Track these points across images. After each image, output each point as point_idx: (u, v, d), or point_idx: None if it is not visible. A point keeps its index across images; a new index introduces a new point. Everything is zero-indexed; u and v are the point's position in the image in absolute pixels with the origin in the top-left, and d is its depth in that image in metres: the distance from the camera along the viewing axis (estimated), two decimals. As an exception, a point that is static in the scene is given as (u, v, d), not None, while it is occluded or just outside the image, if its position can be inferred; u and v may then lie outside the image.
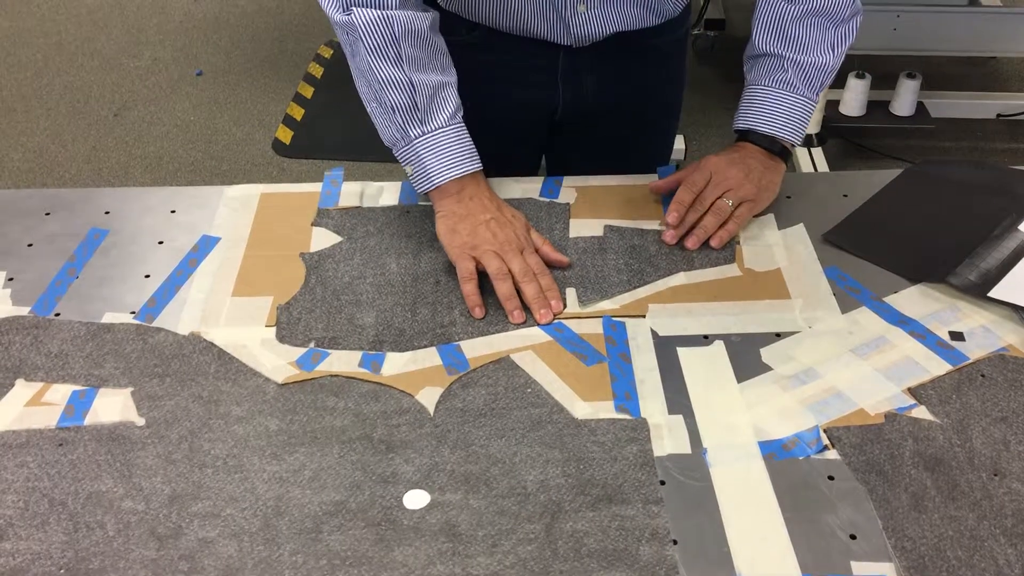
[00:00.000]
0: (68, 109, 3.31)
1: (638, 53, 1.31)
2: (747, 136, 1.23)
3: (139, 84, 3.45)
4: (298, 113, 3.28)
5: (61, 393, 0.98)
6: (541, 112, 1.39)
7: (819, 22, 1.19)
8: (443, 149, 1.14)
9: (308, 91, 3.40)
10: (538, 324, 1.06)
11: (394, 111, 1.13)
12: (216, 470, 0.90)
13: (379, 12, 1.10)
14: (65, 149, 3.10)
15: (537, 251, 1.13)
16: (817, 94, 1.22)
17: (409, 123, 1.13)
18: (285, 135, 3.17)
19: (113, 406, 0.97)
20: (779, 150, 1.22)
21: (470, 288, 1.09)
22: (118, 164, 3.03)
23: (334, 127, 3.22)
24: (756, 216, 1.21)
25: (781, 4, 1.20)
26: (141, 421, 0.95)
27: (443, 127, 1.14)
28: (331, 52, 3.62)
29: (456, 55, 1.24)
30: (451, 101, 1.15)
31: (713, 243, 1.16)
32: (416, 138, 1.14)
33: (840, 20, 1.20)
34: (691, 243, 1.16)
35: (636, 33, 1.28)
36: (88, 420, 0.96)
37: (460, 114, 1.16)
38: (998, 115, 2.93)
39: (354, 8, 1.10)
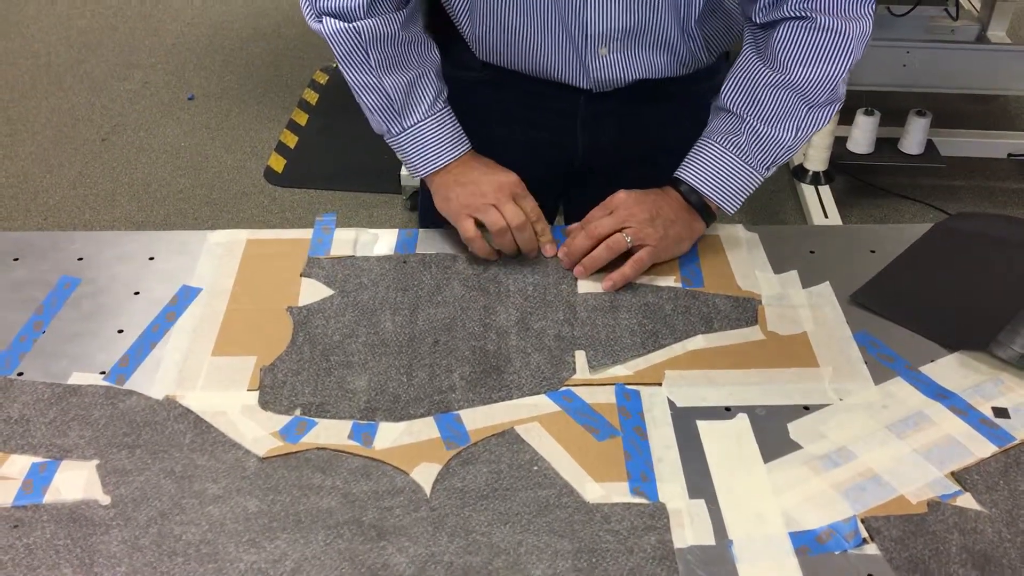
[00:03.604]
0: (55, 133, 3.22)
1: (667, 101, 1.22)
2: (676, 185, 1.14)
3: (128, 108, 3.37)
4: (292, 140, 3.20)
5: (19, 466, 0.89)
6: (558, 157, 1.31)
7: (792, 98, 1.09)
8: (424, 142, 1.15)
9: (302, 118, 3.32)
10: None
11: (371, 112, 1.15)
12: (187, 559, 0.81)
13: (346, 24, 1.09)
14: (51, 174, 3.01)
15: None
16: (767, 169, 1.14)
17: (389, 121, 1.15)
18: (278, 163, 3.09)
19: (76, 481, 0.88)
20: (700, 206, 1.14)
21: (478, 245, 1.12)
22: (104, 191, 2.94)
23: (329, 156, 3.14)
24: (777, 273, 1.12)
25: (759, 66, 1.10)
26: (106, 500, 0.86)
27: (422, 120, 1.14)
28: (326, 78, 3.55)
29: (469, 91, 1.22)
30: (429, 91, 1.14)
31: (603, 285, 1.10)
32: (398, 134, 1.15)
33: (815, 103, 1.10)
34: (578, 271, 1.11)
35: (665, 81, 1.20)
36: (48, 498, 0.86)
37: (442, 98, 1.16)
38: (1009, 155, 2.87)
39: (324, 17, 1.10)
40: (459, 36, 1.21)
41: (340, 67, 1.13)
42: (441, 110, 1.15)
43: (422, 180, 1.20)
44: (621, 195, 1.13)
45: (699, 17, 1.12)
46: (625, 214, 1.10)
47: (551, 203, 1.42)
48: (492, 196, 1.11)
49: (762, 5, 1.09)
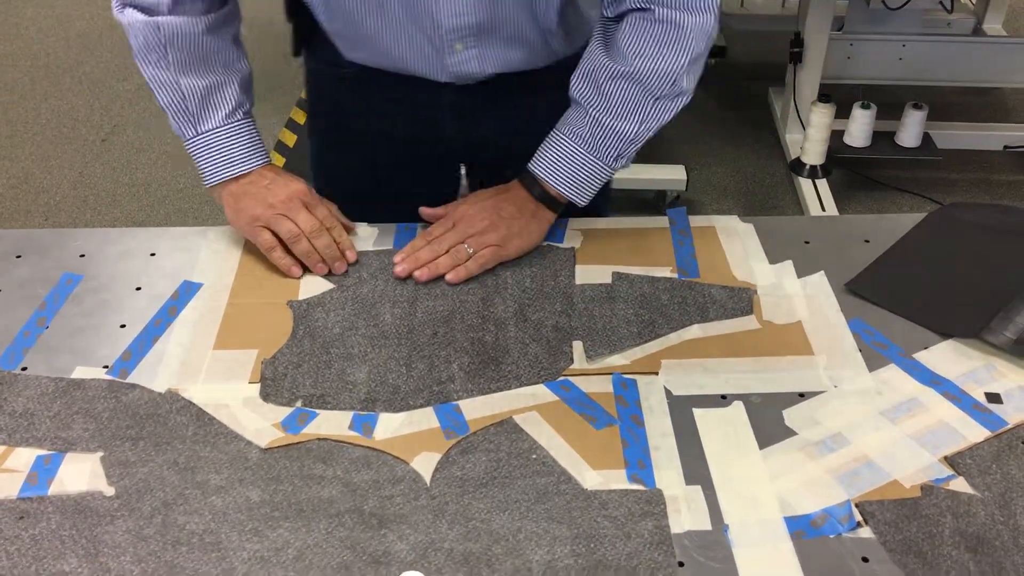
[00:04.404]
0: (55, 134, 3.23)
1: (541, 92, 1.21)
2: (523, 176, 1.16)
3: (128, 108, 3.38)
4: (290, 139, 3.21)
5: (24, 459, 0.90)
6: (434, 151, 1.31)
7: (635, 89, 1.09)
8: (217, 150, 1.14)
9: (301, 117, 3.33)
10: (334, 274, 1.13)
11: (166, 111, 1.14)
12: (191, 548, 0.82)
13: (147, 18, 1.09)
14: (51, 175, 3.03)
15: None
16: (615, 160, 1.13)
17: (183, 124, 1.14)
18: (277, 162, 3.10)
19: (80, 473, 0.89)
20: (540, 196, 1.15)
21: (277, 255, 1.11)
22: (104, 191, 2.95)
23: (327, 154, 3.15)
24: (773, 264, 1.14)
25: (603, 58, 1.10)
26: (111, 491, 0.87)
27: (217, 127, 1.14)
28: (325, 77, 3.55)
29: (337, 87, 1.25)
30: (229, 100, 1.14)
31: (448, 277, 1.11)
32: (191, 138, 1.14)
33: (658, 96, 1.09)
34: (421, 274, 1.11)
35: (531, 72, 1.20)
36: (53, 489, 0.87)
37: (243, 110, 1.16)
38: (1005, 147, 2.88)
39: (127, 8, 1.10)
40: (324, 33, 1.21)
41: (137, 61, 1.12)
42: (240, 120, 1.15)
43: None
44: (462, 207, 1.16)
45: (556, 12, 1.13)
46: (465, 226, 1.13)
47: (445, 195, 1.40)
48: (281, 206, 1.12)
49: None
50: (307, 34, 1.25)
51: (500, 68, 1.18)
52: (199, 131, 1.13)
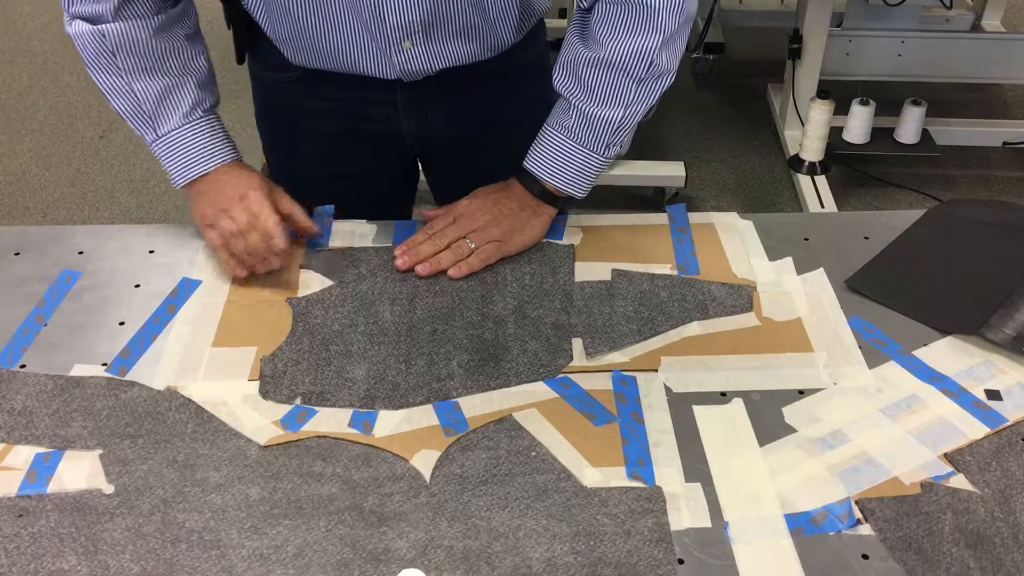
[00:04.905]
0: (52, 130, 3.23)
1: (491, 81, 1.22)
2: (520, 174, 1.16)
3: (126, 105, 3.37)
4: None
5: (23, 456, 0.90)
6: (389, 146, 1.31)
7: (614, 74, 1.08)
8: (179, 150, 1.13)
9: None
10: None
11: (125, 118, 1.13)
12: (191, 545, 0.82)
13: (93, 27, 1.08)
14: (49, 171, 3.02)
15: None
16: (607, 148, 1.13)
17: (143, 128, 1.14)
18: (275, 158, 3.10)
19: (79, 471, 0.89)
20: (540, 194, 1.15)
21: (223, 256, 1.11)
22: (103, 187, 2.95)
23: (325, 150, 3.14)
24: (772, 260, 1.13)
25: (580, 48, 1.10)
26: (110, 488, 0.87)
27: (176, 128, 1.13)
28: (323, 73, 3.55)
29: (285, 90, 1.24)
30: (186, 100, 1.13)
31: (450, 273, 1.11)
32: (152, 142, 1.14)
33: (639, 77, 1.08)
34: (423, 269, 1.11)
35: (479, 63, 1.20)
36: (52, 487, 0.87)
37: (202, 107, 1.14)
38: (1004, 143, 2.87)
39: (75, 20, 1.09)
40: (267, 38, 1.20)
41: (89, 71, 1.11)
42: (200, 119, 1.13)
43: None
44: (463, 203, 1.16)
45: (503, 5, 1.13)
46: (467, 222, 1.14)
47: (401, 191, 1.43)
48: (228, 202, 1.11)
49: None
50: (249, 40, 1.24)
51: (449, 63, 1.17)
52: (158, 134, 1.13)
